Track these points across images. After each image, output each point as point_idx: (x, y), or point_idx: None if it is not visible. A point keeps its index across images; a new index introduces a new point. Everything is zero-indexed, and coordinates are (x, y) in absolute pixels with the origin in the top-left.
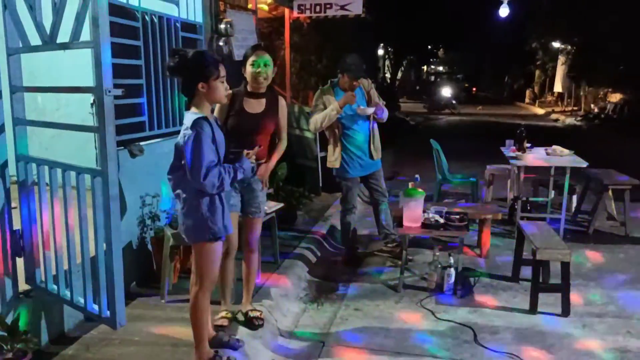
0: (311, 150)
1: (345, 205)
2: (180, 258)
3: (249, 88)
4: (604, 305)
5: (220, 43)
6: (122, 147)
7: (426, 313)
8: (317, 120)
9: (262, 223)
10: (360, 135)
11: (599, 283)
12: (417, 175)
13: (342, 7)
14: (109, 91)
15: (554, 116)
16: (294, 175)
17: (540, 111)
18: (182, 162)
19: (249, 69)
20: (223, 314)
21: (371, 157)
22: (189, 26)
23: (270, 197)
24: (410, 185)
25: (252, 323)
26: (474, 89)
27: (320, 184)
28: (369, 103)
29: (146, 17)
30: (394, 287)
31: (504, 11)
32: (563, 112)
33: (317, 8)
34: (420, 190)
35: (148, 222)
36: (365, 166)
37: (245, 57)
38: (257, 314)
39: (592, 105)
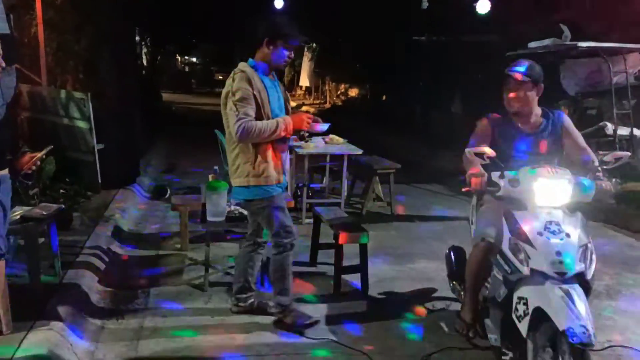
0: (86, 142)
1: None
2: None
3: None
4: (393, 280)
5: None
6: None
7: (239, 309)
8: (256, 129)
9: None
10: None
11: (383, 259)
12: (215, 167)
13: None
14: None
15: (304, 108)
16: (66, 172)
17: (292, 104)
18: None
19: None
20: None
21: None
22: None
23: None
24: (210, 177)
25: None
26: None
27: (100, 180)
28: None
29: None
30: (200, 286)
31: (278, 3)
32: (312, 105)
33: None
34: (223, 182)
35: None
36: None
37: None
38: None
39: (335, 99)
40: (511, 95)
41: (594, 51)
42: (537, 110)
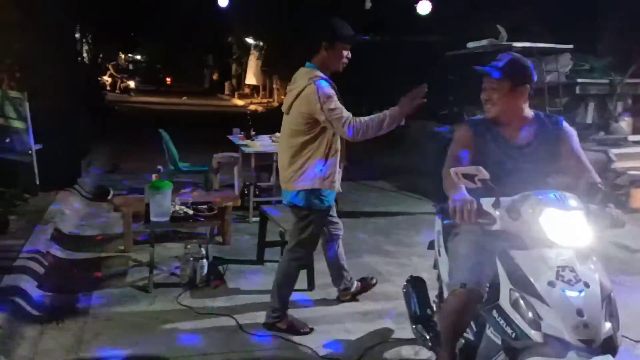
0: (22, 142)
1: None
2: None
3: None
4: None
5: None
6: None
7: (185, 310)
8: (367, 126)
9: None
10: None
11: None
12: (159, 167)
13: None
14: None
15: (252, 107)
16: (1, 173)
17: (240, 102)
18: None
19: None
20: None
21: None
22: None
23: None
24: (154, 177)
25: None
26: (169, 79)
27: (38, 182)
28: None
29: None
30: (144, 288)
31: (223, 1)
32: (260, 104)
33: None
34: (167, 181)
35: None
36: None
37: None
38: None
39: (283, 97)
40: (484, 96)
41: (528, 51)
42: (527, 116)
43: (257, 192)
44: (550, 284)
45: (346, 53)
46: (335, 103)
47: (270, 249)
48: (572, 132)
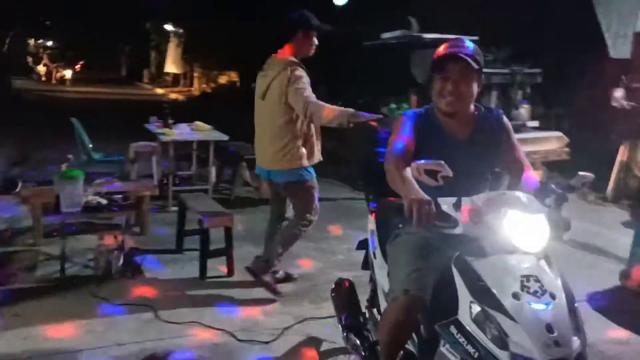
0: None
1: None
2: None
3: None
4: None
5: None
6: None
7: (100, 302)
8: (317, 111)
9: None
10: None
11: (251, 242)
12: (70, 155)
13: None
14: None
15: (172, 95)
16: None
17: (160, 91)
18: None
19: None
20: None
21: None
22: None
23: None
24: (64, 167)
25: None
26: (78, 66)
27: None
28: None
29: None
30: (56, 281)
31: None
32: (180, 92)
33: None
34: (78, 171)
35: None
36: None
37: None
38: None
39: (204, 86)
40: (448, 88)
41: (438, 42)
42: (471, 109)
43: (176, 182)
44: (515, 296)
45: (315, 40)
46: (304, 84)
47: (190, 238)
48: (510, 126)
